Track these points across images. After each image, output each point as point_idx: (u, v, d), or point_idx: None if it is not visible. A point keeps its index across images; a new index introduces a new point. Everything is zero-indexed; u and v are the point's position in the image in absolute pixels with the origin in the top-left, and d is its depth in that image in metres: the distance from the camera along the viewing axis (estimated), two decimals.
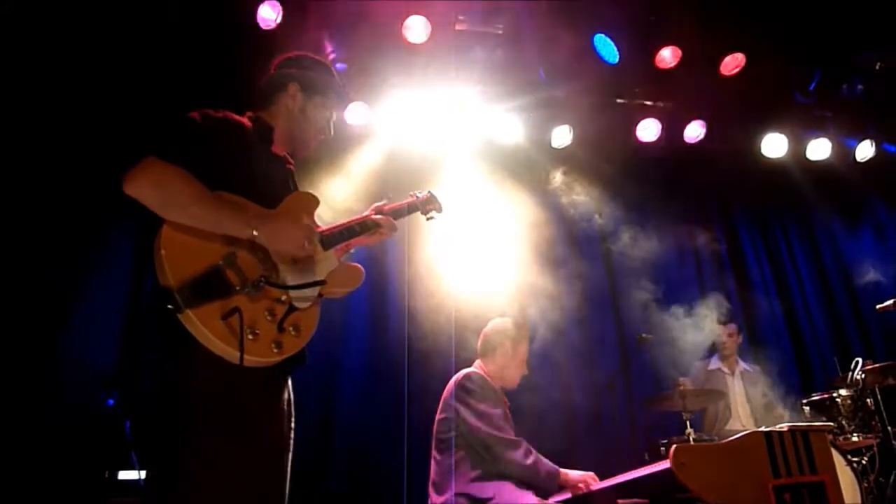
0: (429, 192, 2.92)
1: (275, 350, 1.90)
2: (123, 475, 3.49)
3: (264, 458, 1.93)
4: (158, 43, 4.53)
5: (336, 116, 2.49)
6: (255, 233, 1.91)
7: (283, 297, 1.98)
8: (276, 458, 2.01)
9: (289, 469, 2.06)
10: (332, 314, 5.14)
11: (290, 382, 2.15)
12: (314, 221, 2.27)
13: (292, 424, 2.12)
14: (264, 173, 2.18)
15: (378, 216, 2.53)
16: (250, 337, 1.83)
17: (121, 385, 3.83)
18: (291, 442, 2.09)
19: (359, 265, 2.35)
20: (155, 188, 1.85)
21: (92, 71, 4.46)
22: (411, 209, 2.79)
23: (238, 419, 1.83)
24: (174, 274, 1.77)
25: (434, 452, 3.45)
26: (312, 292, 2.07)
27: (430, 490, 3.35)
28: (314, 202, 2.28)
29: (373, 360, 5.23)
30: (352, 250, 2.55)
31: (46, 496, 3.67)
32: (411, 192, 2.88)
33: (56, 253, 4.28)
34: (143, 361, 1.95)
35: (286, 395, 2.12)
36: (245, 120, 2.26)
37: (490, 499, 3.11)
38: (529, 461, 3.24)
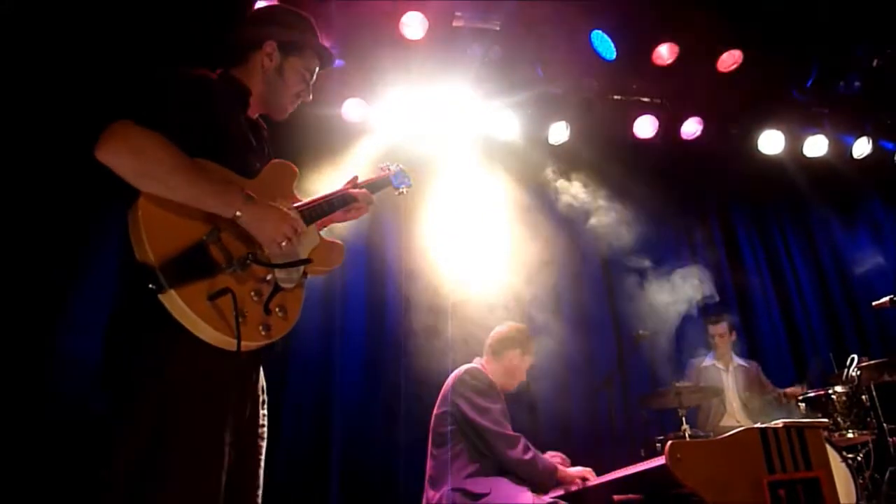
0: (398, 165, 2.78)
1: (262, 333, 1.78)
2: None
3: (240, 447, 1.81)
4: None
5: (315, 77, 2.28)
6: (238, 213, 1.77)
7: (269, 277, 1.85)
8: (251, 446, 1.92)
9: (262, 456, 1.98)
10: (330, 308, 5.15)
11: (261, 368, 2.04)
12: (293, 195, 2.15)
13: (264, 410, 2.03)
14: (243, 139, 2.04)
15: (354, 190, 2.37)
16: (239, 320, 1.69)
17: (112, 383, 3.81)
18: (265, 429, 2.01)
19: (339, 241, 2.22)
20: (131, 156, 1.68)
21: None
22: (384, 184, 2.67)
23: (214, 408, 1.70)
24: (155, 249, 1.61)
25: (431, 447, 3.46)
26: (298, 271, 1.96)
27: (427, 485, 3.36)
28: (293, 173, 2.15)
29: (369, 356, 5.22)
30: (325, 228, 2.40)
31: (43, 495, 3.67)
32: (381, 165, 2.76)
33: (53, 251, 4.26)
34: (116, 348, 1.76)
35: (260, 382, 2.03)
36: (221, 80, 2.08)
37: (486, 494, 3.12)
38: (528, 456, 3.26)
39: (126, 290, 1.74)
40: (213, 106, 1.94)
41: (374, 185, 2.55)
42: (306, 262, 1.99)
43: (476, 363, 3.70)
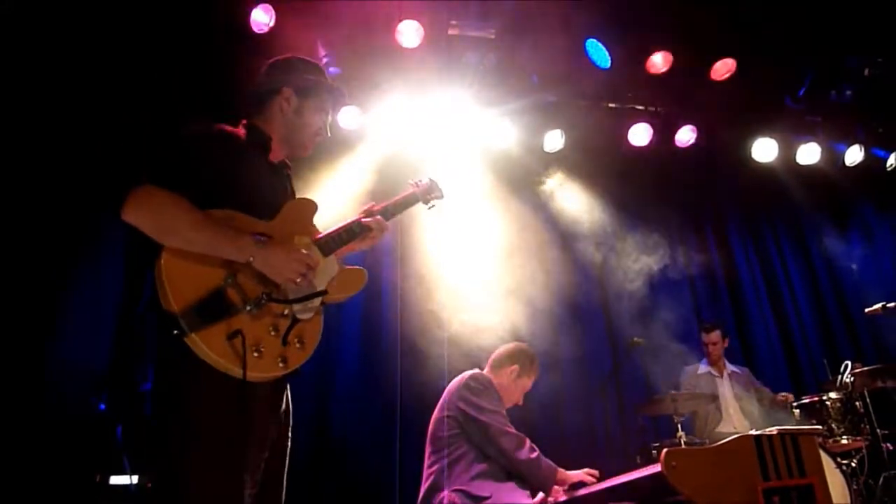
0: (429, 178, 2.87)
1: (280, 365, 1.93)
2: (115, 480, 3.47)
3: (258, 464, 1.93)
4: (150, 47, 4.52)
5: (332, 116, 2.47)
6: (251, 259, 1.93)
7: (286, 311, 1.99)
8: (277, 468, 2.04)
9: (285, 476, 2.09)
10: (326, 318, 5.14)
11: (288, 390, 2.16)
12: (314, 228, 2.27)
13: (289, 434, 2.14)
14: (262, 184, 2.18)
15: (367, 219, 2.47)
16: (255, 355, 1.87)
17: (114, 390, 3.82)
18: (288, 449, 2.11)
19: (361, 268, 2.34)
20: (150, 216, 1.88)
21: (83, 72, 4.43)
22: (410, 201, 2.75)
23: (238, 429, 1.85)
24: (177, 299, 1.80)
25: (430, 453, 3.45)
26: (315, 303, 2.08)
27: (425, 487, 3.35)
28: (312, 208, 2.27)
29: (366, 364, 5.23)
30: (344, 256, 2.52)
31: (37, 500, 3.65)
32: (411, 181, 2.82)
33: (47, 255, 4.26)
34: (138, 372, 1.96)
35: (284, 405, 2.13)
36: (239, 129, 2.25)
37: (487, 497, 3.13)
38: (534, 455, 3.29)
39: (162, 333, 1.88)
40: (229, 156, 2.09)
41: (396, 208, 2.65)
42: (322, 293, 2.10)
43: (477, 370, 3.71)
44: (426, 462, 3.46)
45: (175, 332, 1.78)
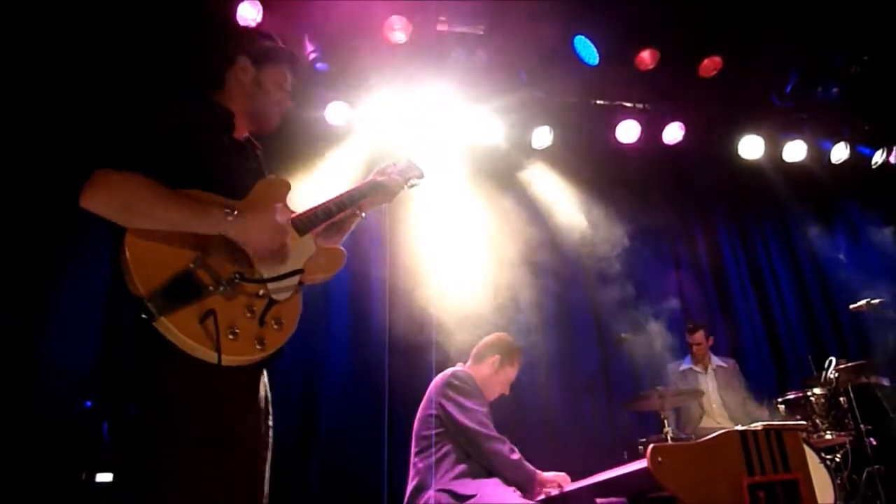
0: (406, 158, 2.72)
1: (258, 347, 1.85)
2: (101, 477, 3.45)
3: (242, 459, 1.88)
4: (135, 38, 4.47)
5: (290, 83, 2.34)
6: (225, 231, 1.85)
7: (261, 292, 1.91)
8: (254, 457, 1.96)
9: (268, 468, 2.01)
10: (314, 311, 5.13)
11: (265, 377, 2.09)
12: (287, 208, 2.17)
13: (270, 422, 2.07)
14: (228, 163, 2.08)
15: (379, 177, 2.46)
16: (230, 337, 1.79)
17: (99, 388, 3.79)
18: (270, 440, 2.04)
19: (340, 247, 2.26)
20: (110, 199, 1.79)
21: (64, 66, 4.36)
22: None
23: (216, 422, 1.78)
24: (143, 282, 1.72)
25: (414, 451, 3.44)
26: (291, 282, 2.00)
27: (411, 487, 3.35)
28: (285, 188, 2.18)
29: (354, 358, 5.22)
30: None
31: (23, 498, 3.63)
32: (391, 163, 2.68)
33: (32, 254, 4.23)
34: (120, 368, 1.88)
35: (263, 392, 2.05)
36: (200, 107, 2.13)
37: (472, 496, 3.12)
38: (514, 457, 3.28)
39: (125, 320, 1.81)
40: (192, 136, 1.99)
41: (377, 186, 2.54)
42: (298, 272, 2.02)
43: (459, 367, 3.71)
44: (412, 460, 3.45)
45: (143, 316, 1.70)
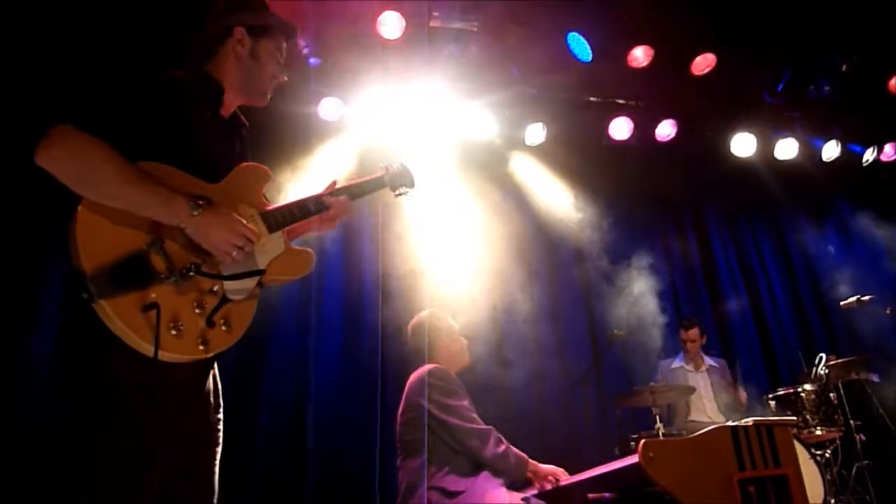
0: (401, 164, 2.54)
1: (200, 347, 1.72)
2: None
3: (188, 456, 1.81)
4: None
5: (284, 55, 2.24)
6: (182, 224, 1.73)
7: (216, 288, 1.79)
8: (201, 454, 1.87)
9: (216, 462, 1.92)
10: (306, 302, 5.12)
11: (215, 369, 1.98)
12: (263, 199, 2.07)
13: (219, 416, 1.96)
14: (208, 140, 1.98)
15: (329, 197, 2.21)
16: (173, 332, 1.66)
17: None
18: (220, 433, 1.95)
19: (309, 249, 2.11)
20: (70, 161, 1.65)
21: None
22: (377, 185, 2.45)
23: (153, 416, 1.65)
24: (88, 258, 1.59)
25: (400, 457, 3.42)
26: (249, 283, 1.87)
27: (402, 489, 3.33)
28: (264, 176, 2.06)
29: (347, 351, 5.21)
30: (305, 234, 2.30)
31: (11, 493, 3.61)
32: (382, 164, 2.52)
33: (21, 249, 4.19)
34: (58, 353, 1.80)
35: (209, 385, 1.94)
36: (185, 79, 2.01)
37: (462, 492, 3.12)
38: (500, 449, 3.26)
39: (68, 299, 1.71)
40: (174, 108, 1.88)
41: (363, 188, 2.39)
42: (258, 273, 1.90)
43: (430, 364, 3.62)
44: (399, 462, 3.43)
45: (83, 295, 1.57)
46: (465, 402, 3.42)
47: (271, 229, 2.00)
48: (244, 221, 1.85)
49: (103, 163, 1.67)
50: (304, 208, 2.14)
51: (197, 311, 1.74)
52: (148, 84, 1.89)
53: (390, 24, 4.86)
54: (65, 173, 1.65)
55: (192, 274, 1.72)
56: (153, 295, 1.65)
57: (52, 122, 1.67)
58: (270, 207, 2.06)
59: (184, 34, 2.21)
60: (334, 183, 2.32)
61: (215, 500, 1.90)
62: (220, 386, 2.00)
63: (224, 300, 1.80)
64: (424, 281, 5.11)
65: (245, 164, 2.06)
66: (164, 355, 1.64)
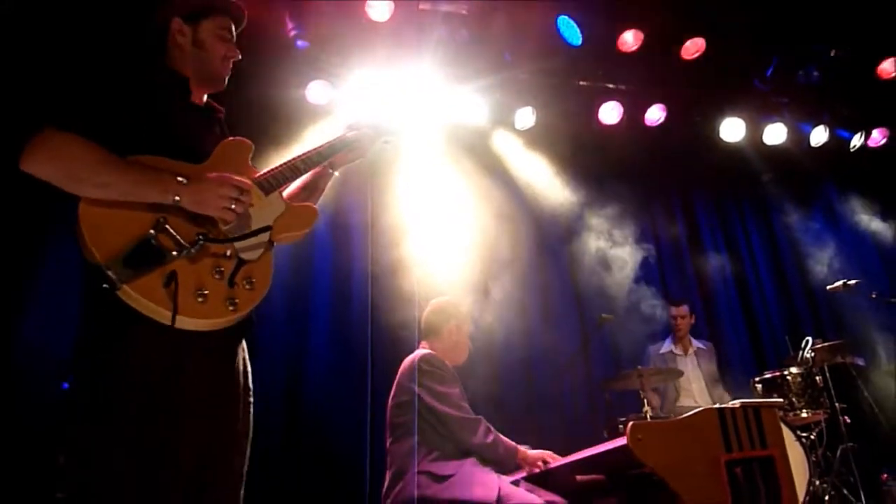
0: (382, 115, 2.64)
1: (230, 308, 1.78)
2: None
3: (215, 435, 1.83)
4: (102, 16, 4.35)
5: (234, 34, 2.21)
6: (176, 198, 1.77)
7: (229, 252, 1.84)
8: (219, 431, 1.88)
9: (249, 441, 1.97)
10: (296, 291, 5.11)
11: (244, 348, 2.02)
12: (250, 168, 2.10)
13: (250, 398, 2.01)
14: (186, 127, 2.01)
15: (350, 133, 2.39)
16: (199, 300, 1.72)
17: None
18: (251, 414, 1.99)
19: (311, 205, 2.20)
20: (53, 162, 1.71)
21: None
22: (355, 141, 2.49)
23: (171, 395, 1.72)
24: (100, 250, 1.65)
25: (389, 440, 3.43)
26: (260, 240, 1.93)
27: (390, 473, 3.34)
28: (247, 148, 2.10)
29: (337, 338, 5.20)
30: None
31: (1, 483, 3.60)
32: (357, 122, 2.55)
33: (11, 236, 4.15)
34: (80, 344, 1.80)
35: (239, 364, 1.98)
36: (154, 73, 2.07)
37: (451, 475, 3.13)
38: (489, 439, 3.27)
39: (87, 291, 1.78)
40: (147, 99, 1.92)
41: (344, 143, 2.44)
42: (265, 230, 1.94)
43: (425, 348, 3.67)
44: (388, 447, 3.43)
45: (105, 286, 1.62)
46: (457, 391, 3.43)
47: (266, 192, 2.05)
48: (227, 174, 1.87)
49: (86, 155, 1.72)
50: (294, 168, 2.19)
51: (216, 276, 1.80)
52: (123, 79, 1.92)
53: (379, 6, 4.82)
54: (54, 175, 1.71)
55: (202, 243, 1.77)
56: (170, 268, 1.71)
57: (34, 129, 1.72)
58: (260, 173, 2.10)
59: (134, 32, 2.19)
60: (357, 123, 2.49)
61: (243, 476, 1.94)
62: (249, 368, 2.04)
63: (241, 262, 1.85)
64: (413, 264, 5.10)
65: (228, 139, 2.10)
66: (198, 322, 1.71)
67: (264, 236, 1.94)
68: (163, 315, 1.67)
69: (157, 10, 2.14)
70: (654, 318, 5.93)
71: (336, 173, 2.45)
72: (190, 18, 2.13)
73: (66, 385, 3.62)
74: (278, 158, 4.86)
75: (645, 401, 4.64)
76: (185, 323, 1.69)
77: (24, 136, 1.71)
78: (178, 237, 1.75)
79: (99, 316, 1.75)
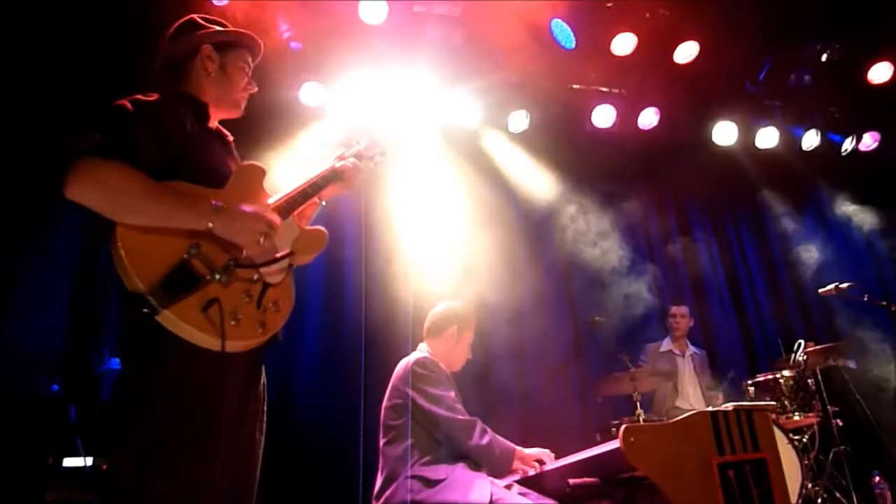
0: (368, 137, 2.79)
1: (260, 330, 1.89)
2: (68, 462, 3.40)
3: (242, 444, 1.95)
4: (100, 19, 4.37)
5: (251, 69, 2.37)
6: (210, 225, 1.85)
7: (256, 277, 1.94)
8: (251, 443, 2.03)
9: (260, 452, 2.08)
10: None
11: (262, 368, 2.14)
12: (264, 193, 2.19)
13: (264, 408, 2.13)
14: (209, 153, 2.10)
15: (338, 165, 2.50)
16: (233, 323, 1.81)
17: (68, 371, 3.72)
18: (264, 426, 2.11)
19: (321, 228, 2.30)
20: (97, 190, 1.78)
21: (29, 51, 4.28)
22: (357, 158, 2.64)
23: (212, 413, 1.79)
24: (141, 276, 1.71)
25: (383, 440, 3.42)
26: (282, 265, 2.03)
27: (382, 476, 3.33)
28: (261, 173, 2.19)
29: (329, 343, 5.19)
30: (324, 202, 2.51)
31: None
32: (356, 140, 2.75)
33: None
34: (103, 356, 1.89)
35: (262, 380, 2.12)
36: (177, 99, 2.15)
37: (443, 479, 3.12)
38: (485, 441, 3.26)
39: (128, 315, 1.82)
40: (172, 127, 2.01)
41: (335, 175, 2.53)
42: (289, 255, 2.03)
43: (422, 351, 3.65)
44: (381, 449, 3.42)
45: (145, 310, 1.70)
46: (452, 394, 3.41)
47: (283, 217, 2.15)
48: (261, 210, 2.00)
49: (129, 183, 1.80)
50: (304, 194, 2.31)
51: (247, 300, 1.89)
52: (152, 108, 2.00)
53: (373, 8, 4.81)
54: (95, 201, 1.77)
55: (232, 268, 1.87)
56: (210, 294, 1.80)
57: (75, 157, 1.78)
58: (274, 199, 2.19)
59: (159, 56, 2.28)
60: (343, 154, 2.61)
61: (255, 486, 2.04)
62: (264, 380, 2.16)
63: (266, 286, 1.95)
64: (406, 267, 5.09)
65: (242, 165, 2.19)
66: (233, 344, 1.79)
67: (286, 261, 2.04)
68: (203, 339, 1.76)
69: (182, 39, 2.24)
70: (647, 321, 5.94)
71: (323, 203, 2.54)
72: (218, 47, 2.25)
73: (55, 387, 3.61)
74: (271, 159, 4.91)
75: (637, 404, 4.64)
76: (228, 346, 1.78)
77: (67, 165, 1.77)
78: (211, 262, 1.85)
79: (138, 341, 1.80)
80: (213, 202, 1.88)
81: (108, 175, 1.79)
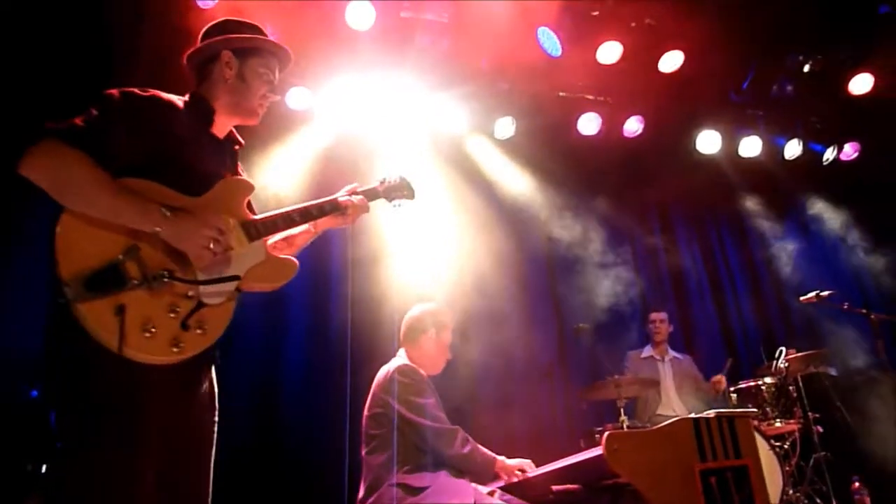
0: (400, 176, 2.72)
1: (174, 349, 1.79)
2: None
3: (178, 451, 1.88)
4: (88, 20, 4.34)
5: (278, 75, 2.34)
6: (157, 229, 1.81)
7: (191, 293, 1.86)
8: (193, 450, 1.96)
9: (211, 461, 2.01)
10: (274, 304, 5.06)
11: (213, 372, 2.07)
12: (245, 209, 2.14)
13: (215, 417, 2.06)
14: (195, 158, 2.04)
15: (343, 198, 2.43)
16: (146, 335, 1.75)
17: (47, 376, 3.67)
18: (214, 435, 2.04)
19: (293, 259, 2.23)
20: (48, 170, 1.76)
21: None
22: (370, 196, 2.61)
23: (130, 416, 1.75)
24: (66, 265, 1.70)
25: (365, 449, 3.40)
26: (227, 287, 1.94)
27: (365, 485, 3.31)
28: (246, 189, 2.15)
29: (314, 352, 5.16)
30: (307, 243, 2.47)
31: None
32: (381, 178, 2.70)
33: None
34: (47, 354, 1.85)
35: (205, 388, 2.03)
36: (179, 100, 2.12)
37: (426, 487, 3.11)
38: (466, 450, 3.25)
39: (53, 301, 1.79)
40: (160, 125, 1.97)
41: (365, 195, 2.55)
42: (233, 279, 1.97)
43: (401, 357, 3.63)
44: (363, 458, 3.40)
45: (60, 300, 1.69)
46: (433, 401, 3.39)
47: (251, 238, 2.09)
48: (213, 217, 1.93)
49: (82, 170, 1.77)
50: (288, 219, 2.24)
51: (171, 315, 1.81)
52: (140, 103, 1.97)
53: (360, 14, 4.81)
54: (45, 182, 1.76)
55: (165, 279, 1.80)
56: (124, 299, 1.73)
57: (41, 135, 1.78)
58: (253, 218, 2.14)
59: (177, 56, 2.28)
60: (355, 187, 2.55)
61: (209, 494, 1.99)
62: (216, 389, 2.08)
63: (200, 305, 1.87)
64: (392, 271, 5.09)
65: (229, 177, 2.15)
66: (138, 355, 1.73)
67: (231, 284, 1.96)
68: (107, 341, 1.70)
69: (207, 41, 2.22)
70: (631, 328, 5.96)
71: (317, 233, 2.50)
72: (239, 53, 2.21)
73: (34, 393, 3.56)
74: (257, 163, 4.89)
75: (621, 410, 4.66)
76: (128, 353, 1.72)
77: (28, 142, 1.77)
78: (145, 267, 1.80)
79: (63, 330, 1.75)
80: (165, 207, 1.84)
81: (64, 161, 1.77)
